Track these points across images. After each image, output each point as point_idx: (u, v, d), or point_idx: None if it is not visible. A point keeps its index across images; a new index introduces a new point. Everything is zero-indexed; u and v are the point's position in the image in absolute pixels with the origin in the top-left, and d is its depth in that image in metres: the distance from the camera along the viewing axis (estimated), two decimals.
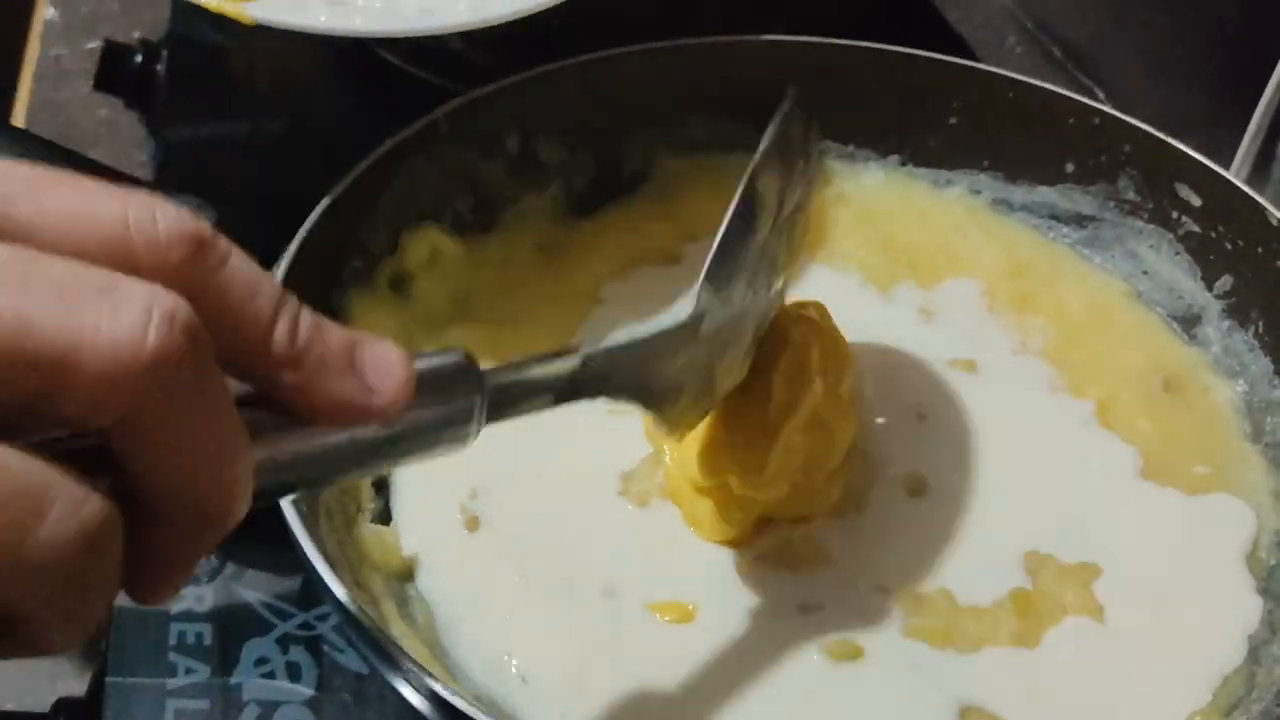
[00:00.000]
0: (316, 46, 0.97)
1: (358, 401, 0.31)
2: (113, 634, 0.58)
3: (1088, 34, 0.96)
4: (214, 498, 0.28)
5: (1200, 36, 0.84)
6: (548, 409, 0.41)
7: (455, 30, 0.57)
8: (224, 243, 0.30)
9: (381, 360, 0.32)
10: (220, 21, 0.95)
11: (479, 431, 0.36)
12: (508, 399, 0.38)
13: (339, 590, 0.43)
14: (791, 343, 0.55)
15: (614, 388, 0.44)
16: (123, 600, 0.58)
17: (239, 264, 0.30)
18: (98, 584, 0.27)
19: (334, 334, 0.31)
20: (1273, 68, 0.74)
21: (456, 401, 0.35)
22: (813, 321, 0.57)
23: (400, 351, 0.32)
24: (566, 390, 0.41)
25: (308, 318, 0.31)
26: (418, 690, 0.42)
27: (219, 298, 0.29)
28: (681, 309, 0.46)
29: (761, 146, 0.51)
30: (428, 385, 0.33)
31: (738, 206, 0.49)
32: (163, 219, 0.29)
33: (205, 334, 0.28)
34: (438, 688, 0.41)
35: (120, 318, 0.26)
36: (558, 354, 0.41)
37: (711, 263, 0.47)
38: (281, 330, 0.30)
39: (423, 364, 0.34)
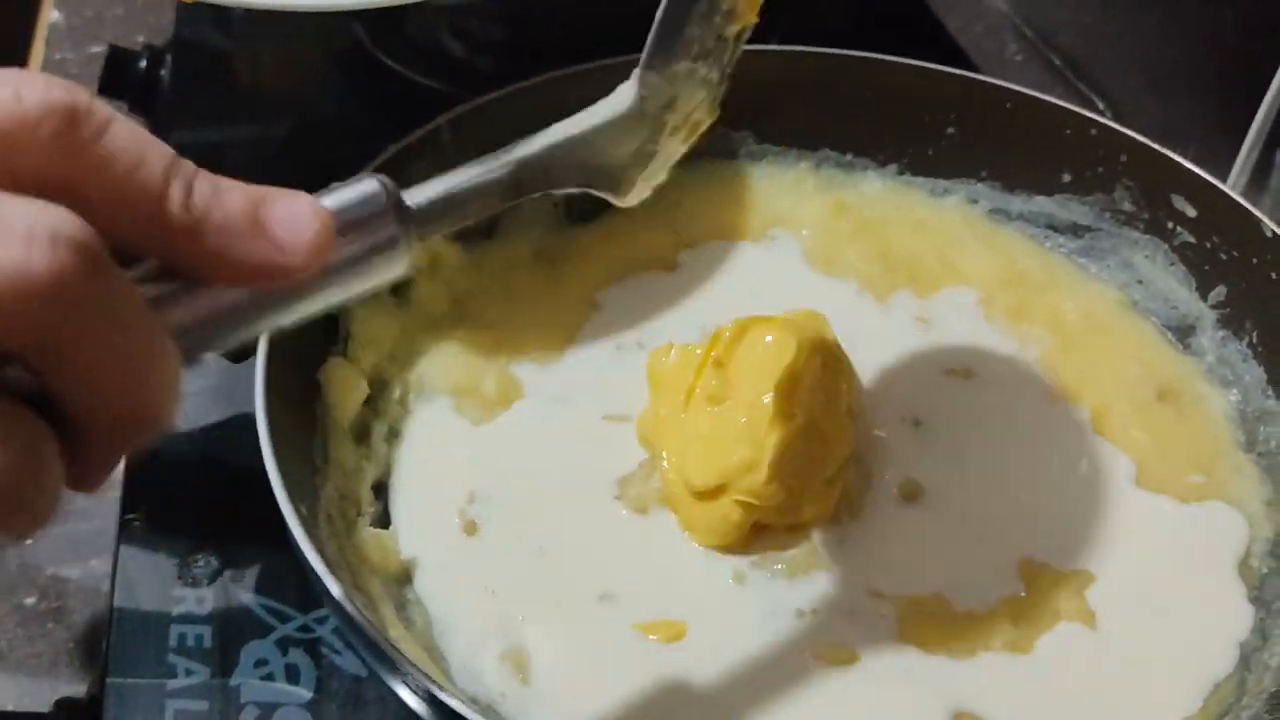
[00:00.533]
0: (320, 51, 0.98)
1: (269, 263, 0.30)
2: (113, 635, 0.58)
3: (1088, 44, 0.97)
4: (142, 405, 0.28)
5: (1199, 48, 0.84)
6: (494, 210, 0.39)
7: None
8: (100, 110, 0.28)
9: (290, 215, 0.30)
10: (224, 25, 0.96)
11: (412, 252, 0.34)
12: (439, 214, 0.37)
13: (338, 592, 0.44)
14: (795, 356, 0.56)
15: (557, 180, 0.42)
16: (123, 602, 0.59)
17: (120, 131, 0.28)
18: (38, 487, 0.27)
19: (235, 194, 0.30)
20: (1270, 80, 0.75)
21: (378, 234, 0.33)
22: (814, 333, 0.57)
23: (310, 202, 0.31)
24: (509, 191, 0.40)
25: (204, 181, 0.29)
26: (415, 693, 0.43)
27: (101, 172, 0.28)
28: (624, 93, 0.43)
29: None
30: (345, 225, 0.32)
31: None
32: (29, 94, 0.27)
33: (97, 242, 0.26)
34: (435, 690, 0.42)
35: (2, 251, 0.25)
36: (493, 160, 0.39)
37: (650, 45, 0.43)
38: (175, 198, 0.29)
39: (336, 202, 0.32)
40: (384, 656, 0.43)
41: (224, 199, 0.30)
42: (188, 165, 0.29)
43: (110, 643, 0.58)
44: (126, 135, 0.28)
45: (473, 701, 0.47)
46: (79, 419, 0.28)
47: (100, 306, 0.26)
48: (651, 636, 0.50)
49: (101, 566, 0.64)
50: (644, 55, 0.43)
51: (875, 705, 0.48)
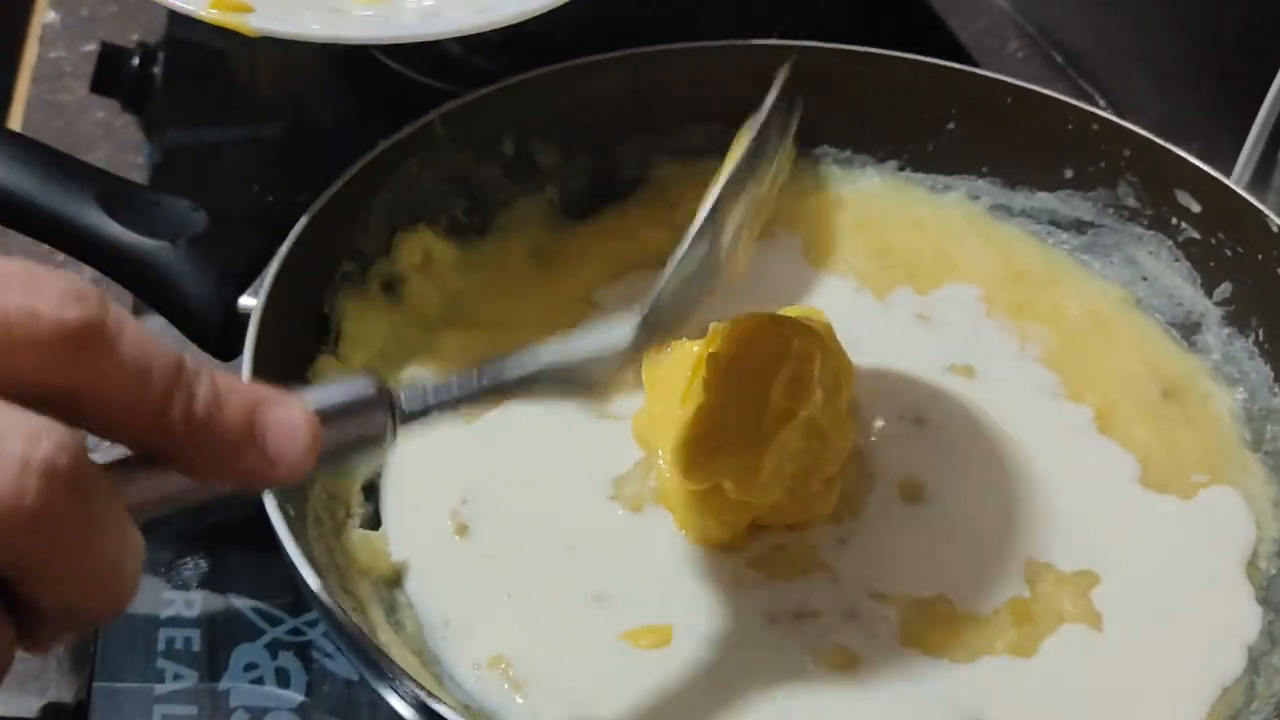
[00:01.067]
0: (314, 50, 0.97)
1: (258, 472, 0.31)
2: (101, 640, 0.57)
3: (1089, 40, 0.96)
4: (106, 599, 0.29)
5: (1201, 44, 0.84)
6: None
7: (455, 35, 0.57)
8: (113, 320, 0.28)
9: (284, 426, 0.31)
10: (218, 26, 0.95)
11: (394, 442, 0.37)
12: (424, 415, 0.39)
13: (324, 596, 0.43)
14: (793, 353, 0.55)
15: (539, 392, 0.44)
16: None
17: (129, 343, 0.28)
18: None
19: (233, 404, 0.30)
20: (1273, 75, 0.74)
21: (366, 429, 0.36)
22: (815, 333, 0.56)
23: (304, 413, 0.31)
24: (491, 398, 0.42)
25: (204, 391, 0.30)
26: (404, 699, 0.42)
27: (105, 382, 0.28)
28: (622, 330, 0.44)
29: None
30: (334, 421, 0.33)
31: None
32: (45, 309, 0.27)
33: (90, 471, 0.27)
34: (424, 697, 0.41)
35: None
36: (484, 370, 0.41)
37: (654, 300, 0.45)
38: (176, 409, 0.29)
39: (329, 399, 0.34)
40: (372, 662, 0.42)
41: (224, 411, 0.30)
42: (192, 373, 0.30)
43: (98, 647, 0.57)
44: (135, 346, 0.29)
45: (465, 708, 0.46)
46: (39, 609, 0.28)
47: (83, 526, 0.27)
48: (641, 643, 0.49)
49: None
50: (648, 306, 0.45)
51: (878, 710, 0.47)
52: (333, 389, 0.35)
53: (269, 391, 0.32)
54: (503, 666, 0.48)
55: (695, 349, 0.55)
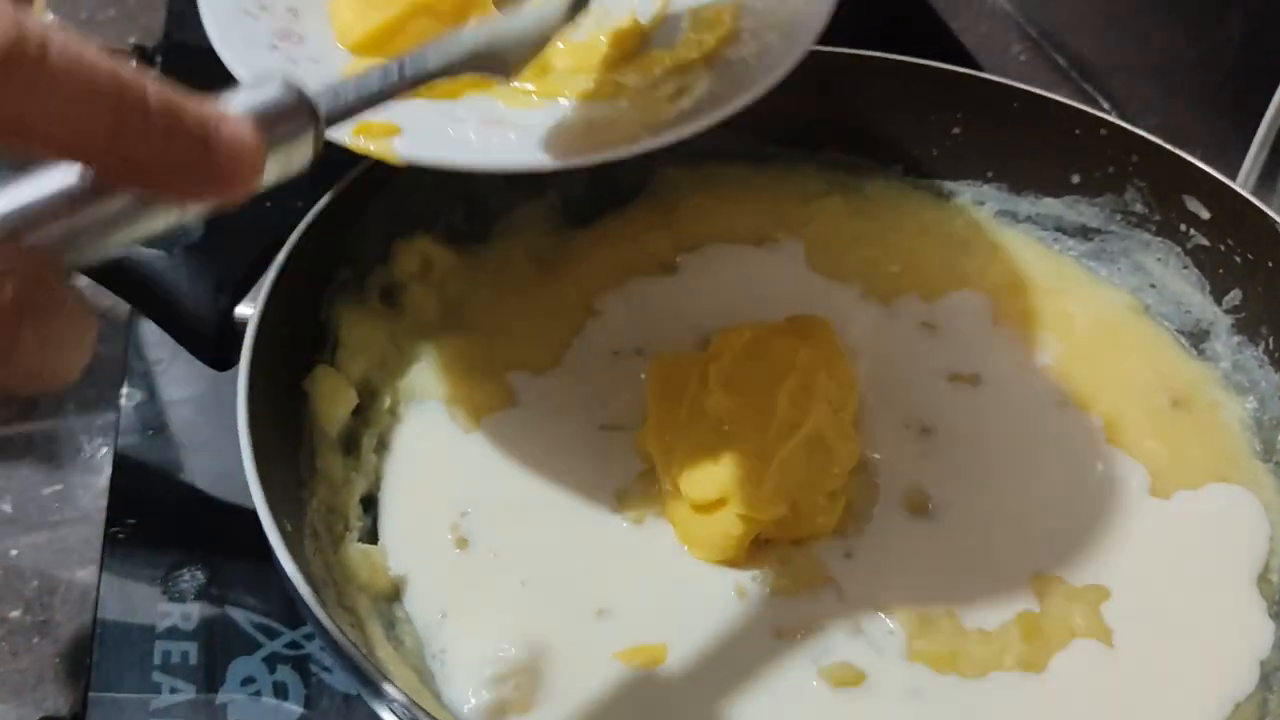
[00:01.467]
0: None
1: (209, 191, 0.31)
2: (97, 651, 0.57)
3: (1092, 44, 0.95)
4: (60, 379, 0.30)
5: (1206, 48, 0.83)
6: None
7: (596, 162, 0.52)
8: (34, 42, 0.27)
9: (235, 142, 0.31)
10: None
11: (319, 143, 0.35)
12: (347, 114, 0.38)
13: (320, 613, 0.42)
14: (798, 365, 0.54)
15: (454, 69, 0.42)
16: (108, 616, 0.57)
17: (60, 61, 0.27)
18: None
19: (186, 122, 0.30)
20: (1278, 80, 0.73)
21: (291, 136, 0.34)
22: (820, 344, 0.55)
23: (251, 127, 0.31)
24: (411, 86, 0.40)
25: (158, 114, 0.29)
26: (399, 717, 0.41)
27: (48, 110, 0.27)
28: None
29: None
30: (264, 128, 0.33)
31: None
32: None
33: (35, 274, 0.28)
34: (420, 716, 0.40)
35: None
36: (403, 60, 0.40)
37: None
38: (131, 131, 0.29)
39: (250, 106, 0.33)
40: (367, 679, 0.41)
41: (177, 132, 0.30)
42: (137, 88, 0.29)
43: (94, 659, 0.56)
44: (67, 63, 0.28)
45: None
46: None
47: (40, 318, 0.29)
48: (634, 662, 0.48)
49: (89, 577, 0.63)
50: None
51: None
52: (250, 94, 0.33)
53: (212, 103, 0.31)
54: (507, 685, 0.47)
55: (698, 359, 0.54)
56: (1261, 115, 0.76)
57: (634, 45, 0.56)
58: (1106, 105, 0.92)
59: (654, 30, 0.57)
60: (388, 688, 0.40)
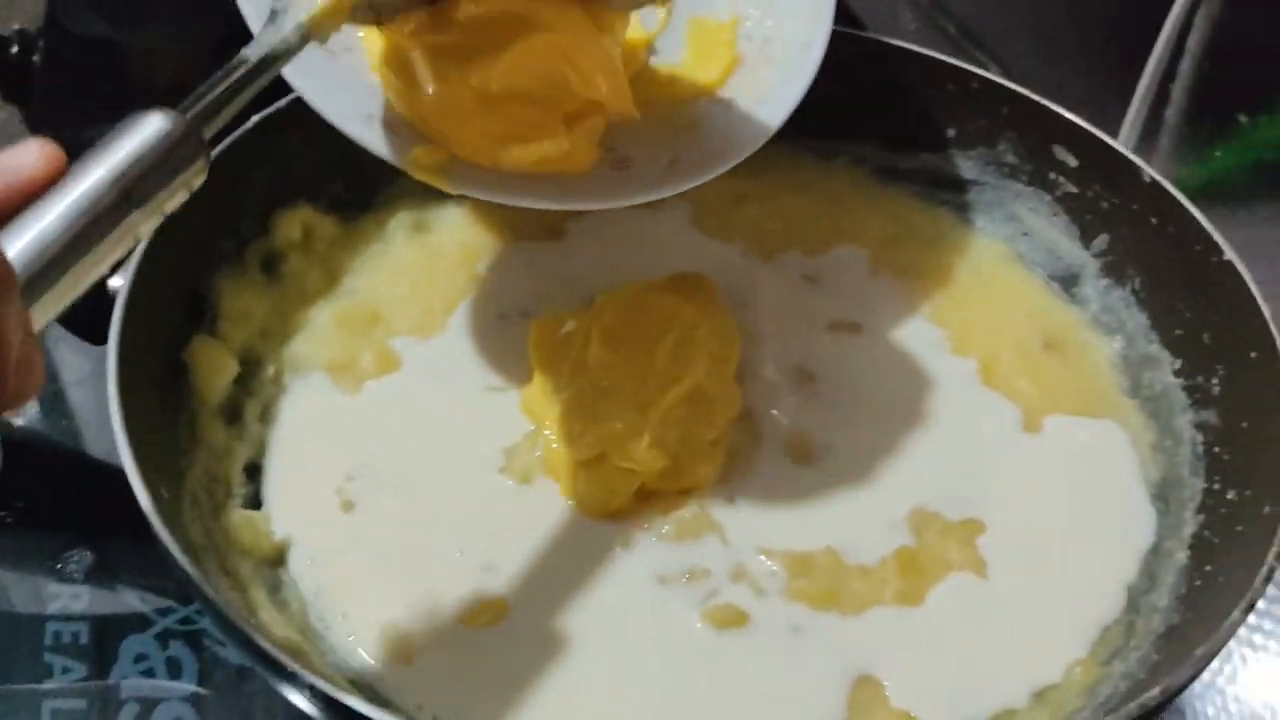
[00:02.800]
0: (205, 37, 0.95)
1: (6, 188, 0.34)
2: None
3: (980, 11, 0.97)
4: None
5: (1087, 12, 0.85)
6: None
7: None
8: None
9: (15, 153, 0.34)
10: (103, 8, 0.93)
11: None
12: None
13: (193, 572, 0.42)
14: (679, 321, 0.55)
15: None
16: None
17: None
18: None
19: None
20: (1155, 38, 0.76)
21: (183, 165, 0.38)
22: (701, 301, 0.56)
23: (38, 143, 0.35)
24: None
25: None
26: (281, 677, 0.41)
27: None
28: None
29: None
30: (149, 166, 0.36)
31: None
32: None
33: None
34: (301, 672, 0.40)
35: None
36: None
37: None
38: None
39: (131, 155, 0.36)
40: (247, 640, 0.41)
41: None
42: None
43: None
44: None
45: (351, 682, 0.46)
46: None
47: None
48: (478, 622, 0.48)
49: None
50: None
51: (767, 665, 0.48)
52: (133, 137, 0.36)
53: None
54: (390, 641, 0.47)
55: (576, 322, 0.55)
56: (1136, 81, 0.78)
57: (644, 57, 0.57)
58: (995, 70, 0.94)
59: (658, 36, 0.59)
60: (262, 643, 0.40)
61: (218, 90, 0.40)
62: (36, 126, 0.82)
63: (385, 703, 0.45)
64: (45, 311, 0.35)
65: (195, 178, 0.39)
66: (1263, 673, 0.57)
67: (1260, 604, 0.57)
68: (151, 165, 0.37)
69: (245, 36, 0.79)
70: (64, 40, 0.89)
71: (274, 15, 0.43)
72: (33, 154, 0.35)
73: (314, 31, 0.43)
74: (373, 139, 0.52)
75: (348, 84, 0.52)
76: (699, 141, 0.55)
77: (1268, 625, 0.59)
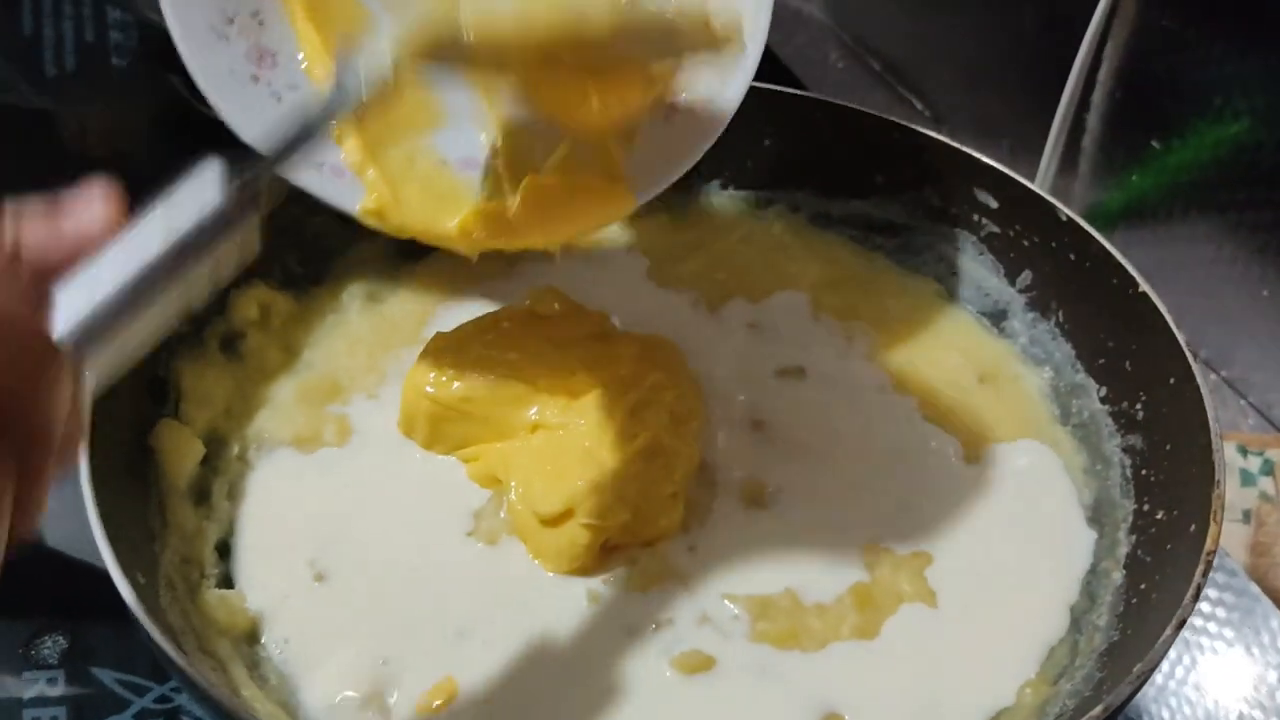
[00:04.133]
0: (139, 107, 0.96)
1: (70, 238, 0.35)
2: None
3: (904, 49, 1.01)
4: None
5: (1005, 47, 0.89)
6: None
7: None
8: None
9: (82, 211, 0.35)
10: (41, 84, 0.93)
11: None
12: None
13: (180, 660, 0.43)
14: (643, 383, 0.57)
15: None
16: None
17: None
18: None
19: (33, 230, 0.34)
20: (1068, 73, 0.79)
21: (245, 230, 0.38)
22: (670, 367, 0.58)
23: (100, 188, 0.35)
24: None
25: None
26: None
27: None
28: None
29: None
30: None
31: None
32: None
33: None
34: None
35: None
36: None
37: None
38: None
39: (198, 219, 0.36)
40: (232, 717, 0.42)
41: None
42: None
43: None
44: None
45: None
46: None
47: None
48: (433, 707, 0.49)
49: None
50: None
51: (736, 707, 0.49)
52: (190, 205, 0.37)
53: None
54: (371, 709, 0.49)
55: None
56: (1054, 109, 0.82)
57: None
58: (919, 106, 0.97)
59: None
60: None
61: (273, 153, 0.40)
62: None
63: None
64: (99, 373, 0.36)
65: (248, 244, 0.39)
66: (1214, 671, 0.60)
67: (1205, 606, 0.61)
68: (208, 227, 0.37)
69: (184, 107, 0.80)
70: (5, 110, 0.89)
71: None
72: (99, 203, 0.36)
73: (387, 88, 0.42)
74: (327, 188, 0.53)
75: None
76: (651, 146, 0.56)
77: (1212, 628, 0.62)
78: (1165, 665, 0.59)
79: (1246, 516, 0.72)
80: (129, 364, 0.38)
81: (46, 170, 0.86)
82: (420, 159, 0.55)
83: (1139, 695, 0.46)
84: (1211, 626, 0.61)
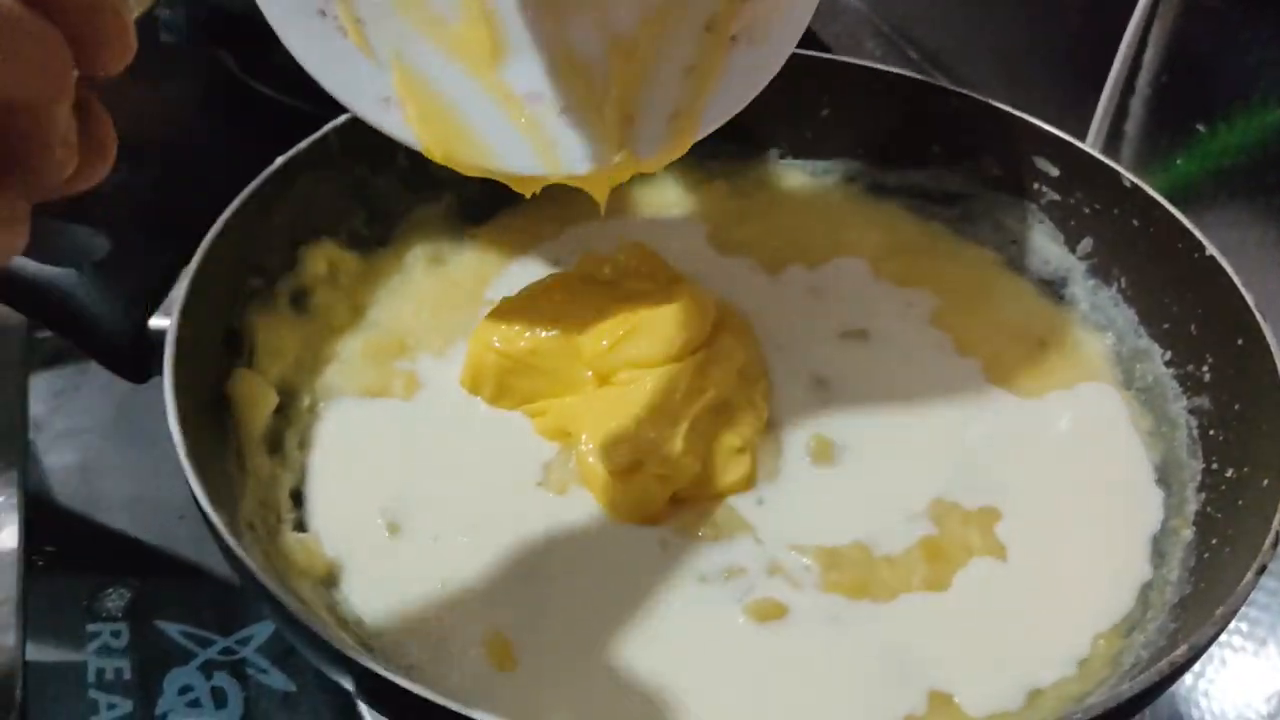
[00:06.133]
0: (188, 85, 0.97)
1: None
2: (27, 675, 0.57)
3: (941, 36, 1.01)
4: None
5: (1045, 32, 0.89)
6: None
7: None
8: None
9: None
10: None
11: None
12: None
13: (275, 588, 0.43)
14: (713, 343, 0.57)
15: None
16: (36, 641, 0.57)
17: None
18: None
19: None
20: (1113, 57, 0.80)
21: None
22: (736, 331, 0.59)
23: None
24: None
25: None
26: (354, 676, 0.42)
27: None
28: None
29: None
30: None
31: None
32: None
33: None
34: (379, 669, 0.41)
35: None
36: None
37: None
38: None
39: None
40: (323, 644, 0.42)
41: None
42: None
43: (25, 681, 0.56)
44: None
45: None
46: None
47: None
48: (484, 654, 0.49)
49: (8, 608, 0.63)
50: None
51: (809, 654, 0.50)
52: None
53: None
54: (446, 649, 0.49)
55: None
56: (1098, 93, 0.82)
57: None
58: None
59: None
60: (348, 649, 0.42)
61: None
62: None
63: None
64: None
65: None
66: (1240, 675, 0.61)
67: (1251, 610, 0.61)
68: None
69: (235, 84, 0.80)
70: None
71: None
72: None
73: None
74: (391, 124, 0.52)
75: (356, 64, 0.51)
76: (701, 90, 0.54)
77: (1260, 631, 0.62)
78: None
79: None
80: None
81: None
82: (483, 93, 0.53)
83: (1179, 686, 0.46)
84: (1260, 597, 0.62)
